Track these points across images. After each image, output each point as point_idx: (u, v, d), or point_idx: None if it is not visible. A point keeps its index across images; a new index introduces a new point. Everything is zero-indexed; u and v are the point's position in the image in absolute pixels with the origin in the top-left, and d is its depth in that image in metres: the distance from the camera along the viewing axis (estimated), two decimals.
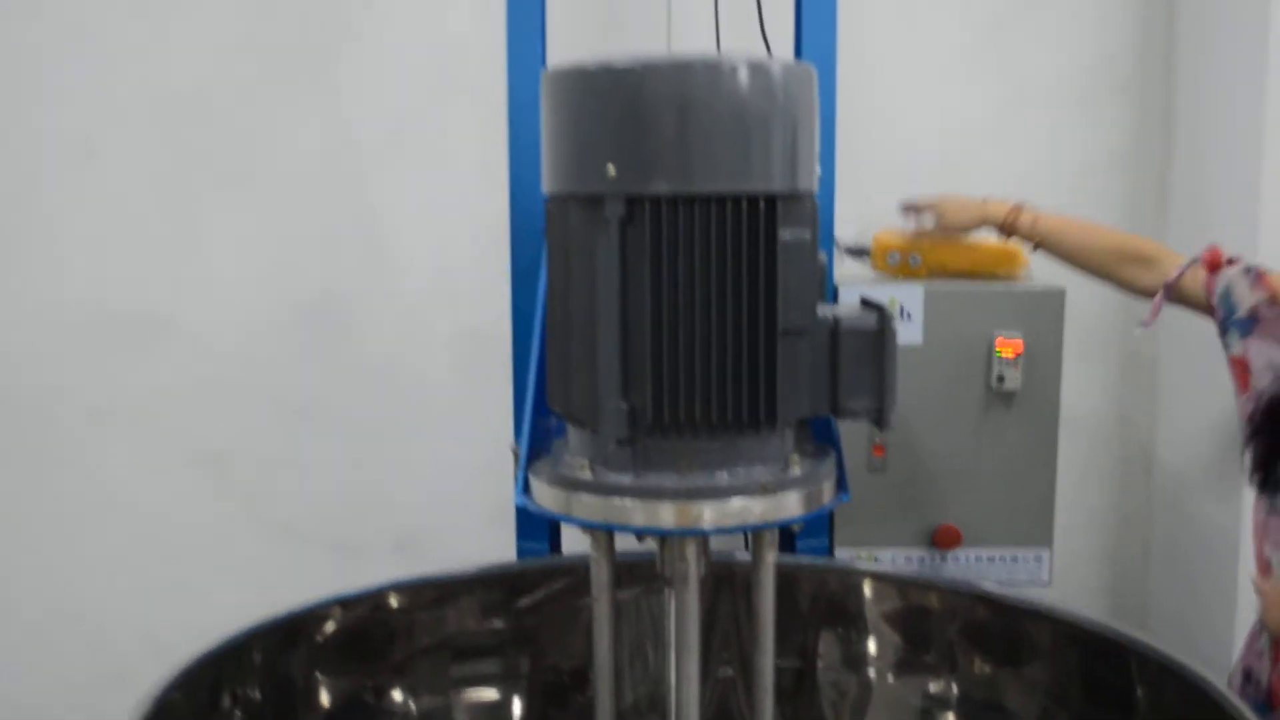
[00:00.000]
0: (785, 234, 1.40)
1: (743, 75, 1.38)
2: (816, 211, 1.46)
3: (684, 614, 1.55)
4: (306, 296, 2.80)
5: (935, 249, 2.38)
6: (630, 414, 1.42)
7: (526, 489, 1.58)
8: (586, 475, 1.47)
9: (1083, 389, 2.80)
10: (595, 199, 1.40)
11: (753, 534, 1.58)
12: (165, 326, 2.80)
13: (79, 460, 2.84)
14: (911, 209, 2.36)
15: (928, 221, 2.33)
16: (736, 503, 1.44)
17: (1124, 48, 2.84)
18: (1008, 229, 2.22)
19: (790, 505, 1.46)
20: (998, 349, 2.37)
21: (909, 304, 2.37)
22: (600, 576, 1.60)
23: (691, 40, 2.54)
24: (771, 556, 1.58)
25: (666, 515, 1.45)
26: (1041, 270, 2.47)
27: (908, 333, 2.37)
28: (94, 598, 2.88)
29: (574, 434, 1.54)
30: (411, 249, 2.81)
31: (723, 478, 1.44)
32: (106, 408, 2.82)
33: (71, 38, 2.73)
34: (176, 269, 2.80)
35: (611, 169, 1.38)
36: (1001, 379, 2.37)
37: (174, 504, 2.86)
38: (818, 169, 1.48)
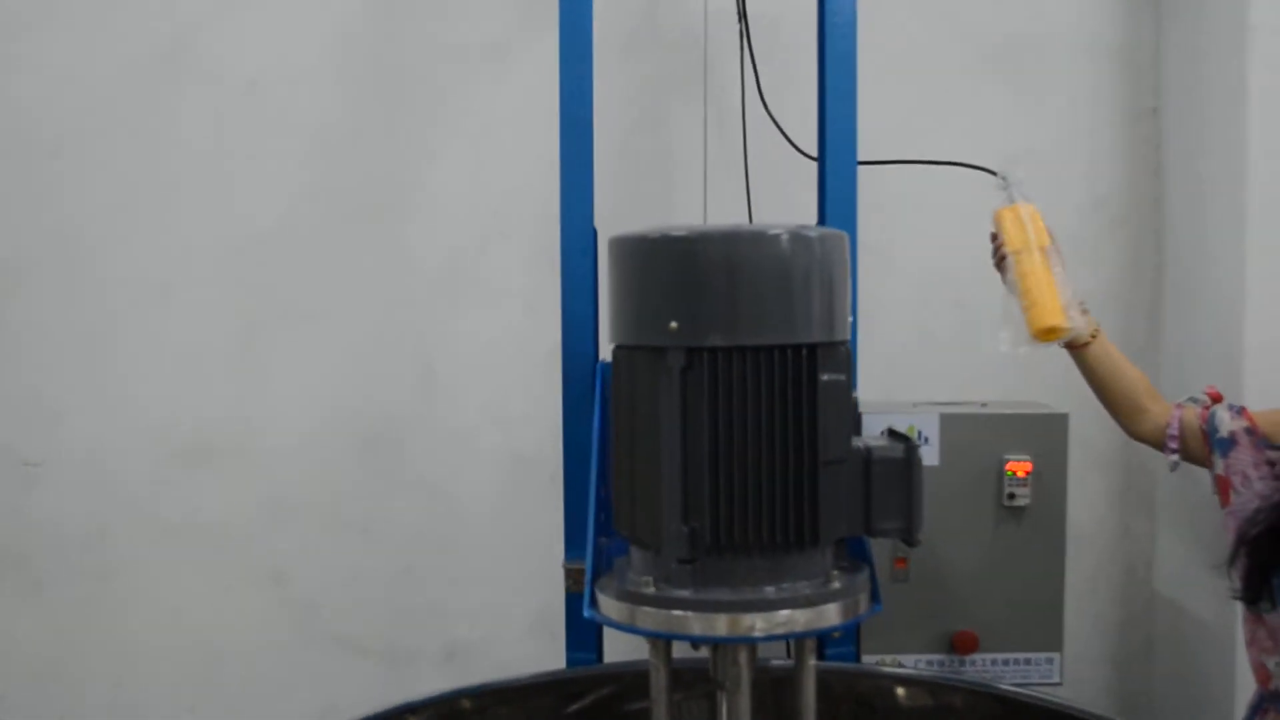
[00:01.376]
0: (824, 377, 1.61)
1: (785, 241, 1.60)
2: (850, 356, 1.68)
3: (737, 717, 1.72)
4: (366, 422, 3.00)
5: (1035, 252, 2.19)
6: (691, 537, 1.61)
7: (593, 603, 1.78)
8: (650, 590, 1.66)
9: (1087, 504, 2.96)
10: (659, 350, 1.60)
11: (795, 640, 1.75)
12: (234, 452, 3.00)
13: (147, 578, 3.02)
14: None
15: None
16: (783, 614, 1.61)
17: (1115, 188, 3.03)
18: (1079, 309, 2.24)
19: (830, 615, 1.64)
20: (1008, 469, 2.55)
21: (926, 429, 2.57)
22: (659, 682, 1.74)
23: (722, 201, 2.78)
24: (812, 661, 1.74)
25: (721, 625, 1.62)
26: (1043, 394, 2.70)
27: (925, 455, 2.54)
28: (159, 712, 3.04)
29: (637, 553, 1.73)
30: (463, 379, 3.01)
31: (771, 592, 1.61)
32: (176, 529, 3.00)
33: (147, 184, 2.96)
34: (244, 398, 3.00)
35: (674, 325, 1.60)
36: (1013, 496, 2.55)
37: (237, 619, 3.03)
38: (850, 318, 1.70)
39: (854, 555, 1.79)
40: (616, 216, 2.70)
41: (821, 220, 2.44)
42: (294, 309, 2.99)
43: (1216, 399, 2.28)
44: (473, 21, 2.95)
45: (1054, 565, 2.58)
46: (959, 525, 2.56)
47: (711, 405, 1.59)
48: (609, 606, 1.73)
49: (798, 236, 1.63)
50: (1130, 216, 3.04)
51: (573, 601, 2.37)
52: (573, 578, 2.36)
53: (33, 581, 3.01)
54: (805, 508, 1.61)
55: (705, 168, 2.76)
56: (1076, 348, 2.26)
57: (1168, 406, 2.30)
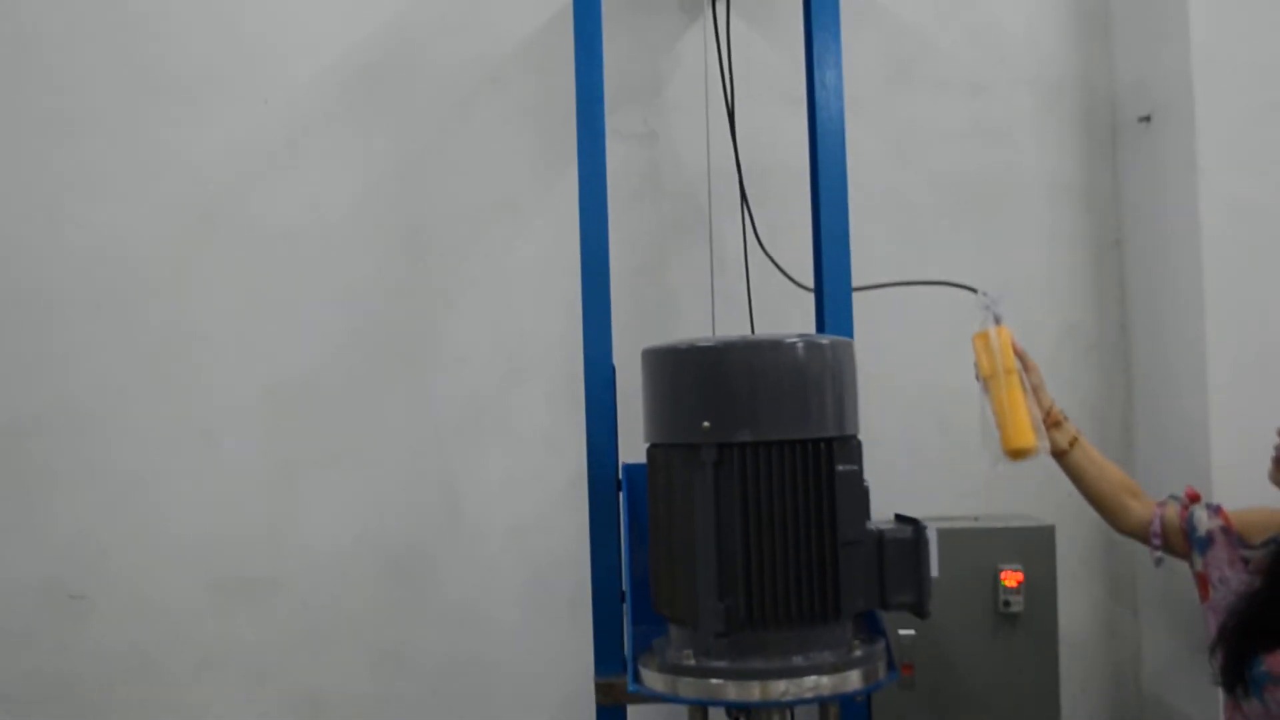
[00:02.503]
0: (840, 468, 1.83)
1: (801, 348, 1.83)
2: (860, 449, 1.88)
3: None
4: (395, 553, 3.15)
5: (1011, 374, 2.31)
6: (726, 613, 1.80)
7: (637, 678, 1.95)
8: (690, 662, 1.84)
9: (1076, 609, 3.11)
10: (692, 447, 1.82)
11: (820, 711, 1.94)
12: (270, 584, 3.13)
13: (188, 706, 3.13)
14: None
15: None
16: (810, 680, 1.80)
17: (1085, 316, 3.24)
18: (1056, 418, 2.44)
19: (853, 681, 1.84)
20: (1002, 579, 2.73)
21: None
22: None
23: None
24: None
25: (755, 691, 1.81)
26: (1030, 507, 2.89)
27: None
28: None
29: (675, 631, 1.91)
30: (488, 510, 3.16)
31: (799, 660, 1.81)
32: (215, 657, 3.13)
33: (186, 335, 3.14)
34: (280, 533, 3.14)
35: (706, 424, 1.81)
36: (1007, 604, 2.73)
37: None
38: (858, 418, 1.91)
39: (871, 630, 1.97)
40: (631, 352, 2.94)
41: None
42: (326, 450, 3.15)
43: (1195, 499, 2.48)
44: (490, 181, 3.18)
45: (1048, 666, 2.76)
46: (959, 632, 2.74)
47: (741, 494, 1.81)
48: (652, 679, 1.92)
49: (811, 344, 1.86)
50: (1100, 341, 3.25)
51: (604, 716, 2.50)
52: (603, 691, 2.46)
53: (79, 710, 3.11)
54: (828, 584, 1.82)
55: (713, 303, 3.01)
56: (1058, 455, 2.45)
57: (1150, 504, 2.48)
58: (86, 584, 3.13)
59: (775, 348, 1.86)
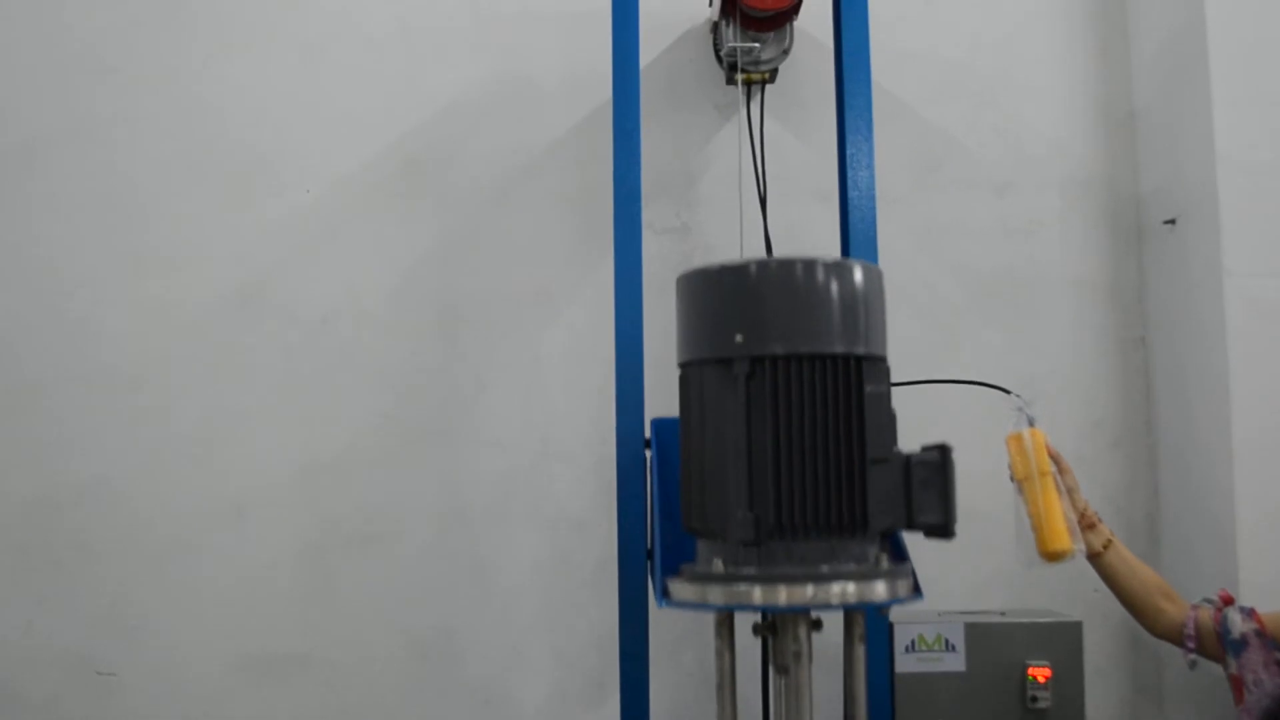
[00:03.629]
0: (869, 386, 1.87)
1: (833, 269, 1.90)
2: (889, 374, 1.94)
3: (798, 691, 1.89)
4: (423, 632, 3.16)
5: (1046, 476, 2.32)
6: (755, 522, 1.82)
7: (665, 593, 1.97)
8: (719, 569, 1.86)
9: (1102, 706, 3.11)
10: (725, 361, 1.87)
11: (845, 628, 1.96)
12: (300, 663, 3.14)
13: None
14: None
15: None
16: (836, 586, 1.81)
17: (1110, 412, 3.26)
18: (1090, 521, 2.47)
19: (879, 591, 1.84)
20: (1030, 674, 2.73)
21: (952, 637, 2.77)
22: (724, 666, 1.95)
23: None
24: (862, 650, 1.95)
25: (780, 595, 1.81)
26: (1056, 602, 2.90)
27: (953, 662, 2.77)
28: None
29: (704, 546, 1.93)
30: (517, 591, 3.18)
31: (825, 569, 1.82)
32: None
33: (224, 413, 3.20)
34: (309, 611, 3.16)
35: (739, 338, 1.85)
36: (1035, 699, 2.73)
37: None
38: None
39: (897, 556, 2.00)
40: None
41: None
42: (357, 529, 3.19)
43: (1229, 601, 2.49)
44: (526, 268, 3.25)
45: None
46: None
47: (772, 406, 1.84)
48: (680, 590, 1.93)
49: (844, 264, 1.92)
50: (1125, 438, 3.27)
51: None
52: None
53: None
54: (855, 497, 1.84)
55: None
56: (1092, 557, 2.47)
57: (1184, 606, 2.48)
58: (114, 659, 3.15)
59: (809, 266, 1.90)
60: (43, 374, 3.21)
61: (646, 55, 2.70)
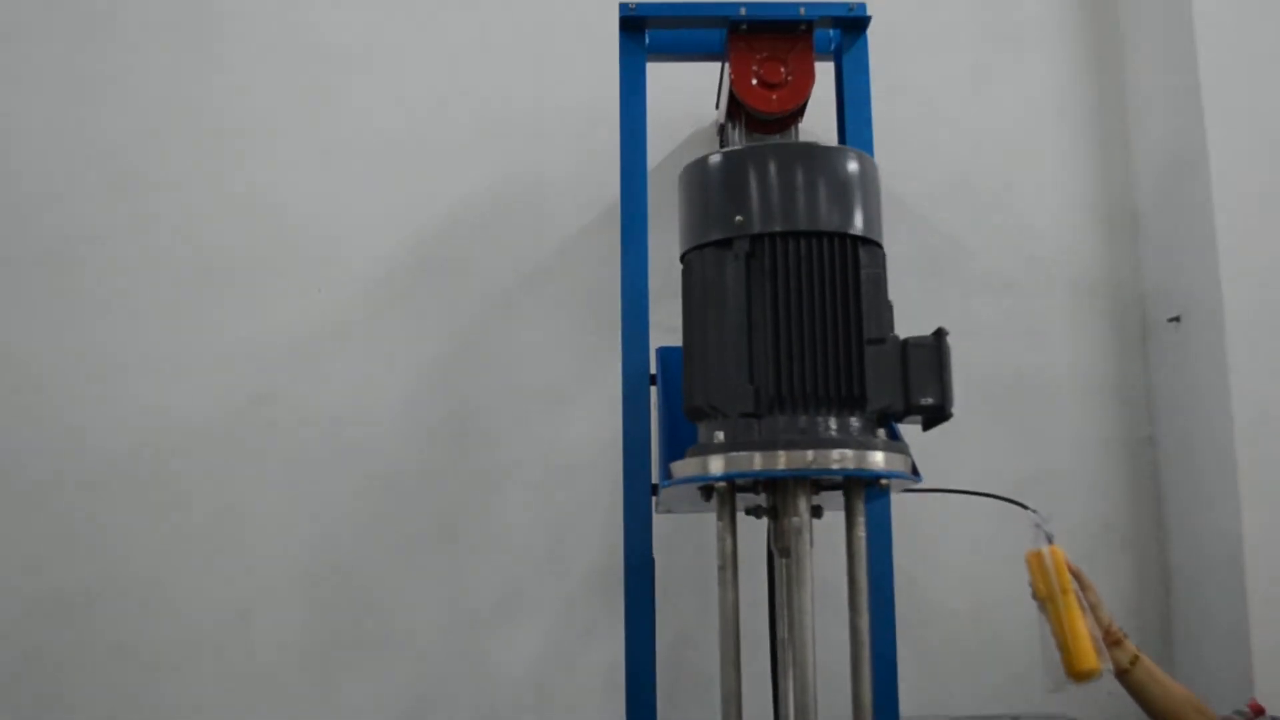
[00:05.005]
0: (865, 268, 1.92)
1: (830, 153, 1.98)
2: (885, 260, 1.98)
3: (799, 565, 1.88)
4: None
5: (1068, 595, 2.30)
6: (756, 394, 1.86)
7: (666, 475, 2.00)
8: (720, 439, 1.89)
9: None
10: (725, 242, 1.93)
11: (847, 513, 1.96)
12: None
13: None
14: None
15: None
16: (836, 452, 1.83)
17: (1120, 513, 3.25)
18: (1115, 637, 2.39)
19: (878, 460, 1.87)
20: None
21: None
22: (725, 548, 1.95)
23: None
24: (862, 531, 1.96)
25: (780, 460, 1.83)
26: (1068, 704, 2.86)
27: None
28: None
29: (705, 426, 1.95)
30: (521, 699, 3.14)
31: (824, 436, 1.85)
32: None
33: (233, 517, 3.19)
34: (314, 717, 3.12)
35: (739, 218, 1.89)
36: None
37: None
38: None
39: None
40: (669, 542, 2.97)
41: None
42: (362, 633, 3.17)
43: (1260, 711, 2.44)
44: (533, 371, 3.27)
45: None
46: None
47: (772, 282, 1.89)
48: (681, 467, 1.95)
49: (841, 149, 2.01)
50: (1135, 539, 3.24)
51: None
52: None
53: None
54: (854, 371, 1.88)
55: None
56: (1119, 674, 2.40)
57: (1214, 718, 2.43)
58: None
59: (806, 149, 1.99)
60: (51, 475, 3.21)
61: (654, 157, 2.74)
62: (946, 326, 3.22)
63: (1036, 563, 2.32)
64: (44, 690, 3.13)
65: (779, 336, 1.88)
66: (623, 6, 2.71)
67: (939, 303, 3.33)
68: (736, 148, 2.06)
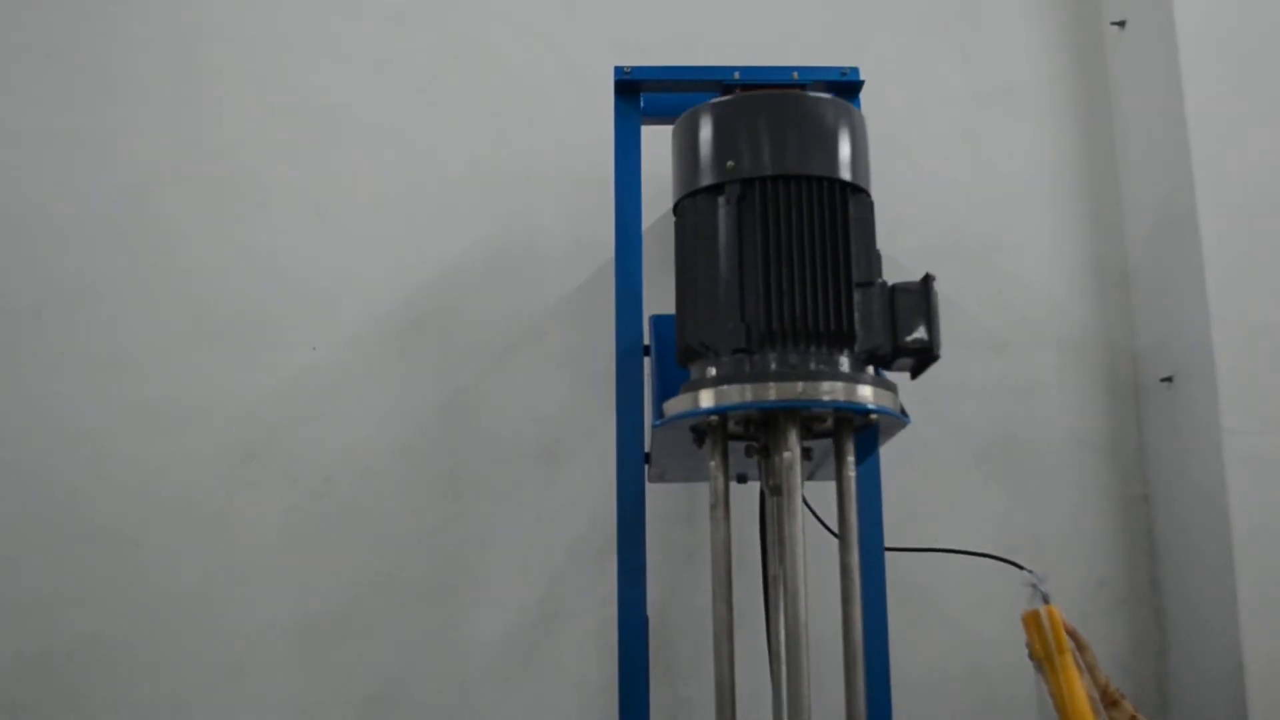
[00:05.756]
0: (853, 213, 1.97)
1: (818, 100, 2.04)
2: (873, 207, 2.03)
3: (790, 498, 1.90)
4: None
5: (1065, 655, 2.30)
6: (747, 331, 1.90)
7: (659, 415, 2.03)
8: (712, 374, 1.93)
9: None
10: (717, 187, 1.99)
11: (836, 447, 1.98)
12: None
13: None
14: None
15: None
16: (826, 384, 1.87)
17: (1114, 571, 3.24)
18: (1113, 698, 2.37)
19: (867, 395, 1.91)
20: None
21: None
22: (717, 486, 1.96)
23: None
24: (852, 471, 1.98)
25: (770, 392, 1.87)
26: None
27: None
28: None
29: (697, 366, 1.99)
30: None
31: (816, 372, 1.89)
32: None
33: (224, 572, 3.17)
34: None
35: (730, 164, 1.97)
36: None
37: None
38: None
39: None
40: (665, 597, 2.97)
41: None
42: (354, 691, 3.14)
43: None
44: (527, 427, 3.27)
45: None
46: None
47: (762, 224, 1.94)
48: (673, 404, 1.99)
49: (830, 99, 2.07)
50: (1130, 597, 3.24)
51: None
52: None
53: None
54: (842, 308, 1.92)
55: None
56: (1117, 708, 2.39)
57: None
58: None
59: (795, 98, 2.06)
60: (40, 530, 3.18)
61: (649, 217, 2.76)
62: (939, 385, 3.28)
63: (1033, 623, 2.32)
64: None
65: (769, 275, 1.92)
66: (618, 70, 2.74)
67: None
68: (727, 98, 2.13)
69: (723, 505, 1.99)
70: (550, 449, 3.27)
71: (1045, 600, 2.33)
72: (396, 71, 3.50)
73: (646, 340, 2.68)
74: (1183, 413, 3.09)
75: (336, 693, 3.15)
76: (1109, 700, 2.38)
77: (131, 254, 3.35)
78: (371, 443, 3.27)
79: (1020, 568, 2.36)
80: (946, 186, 3.47)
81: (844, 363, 1.93)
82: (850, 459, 2.02)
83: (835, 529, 2.10)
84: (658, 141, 2.56)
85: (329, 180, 3.42)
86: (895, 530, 2.71)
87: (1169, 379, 3.13)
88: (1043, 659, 2.29)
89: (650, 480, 2.58)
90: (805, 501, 2.99)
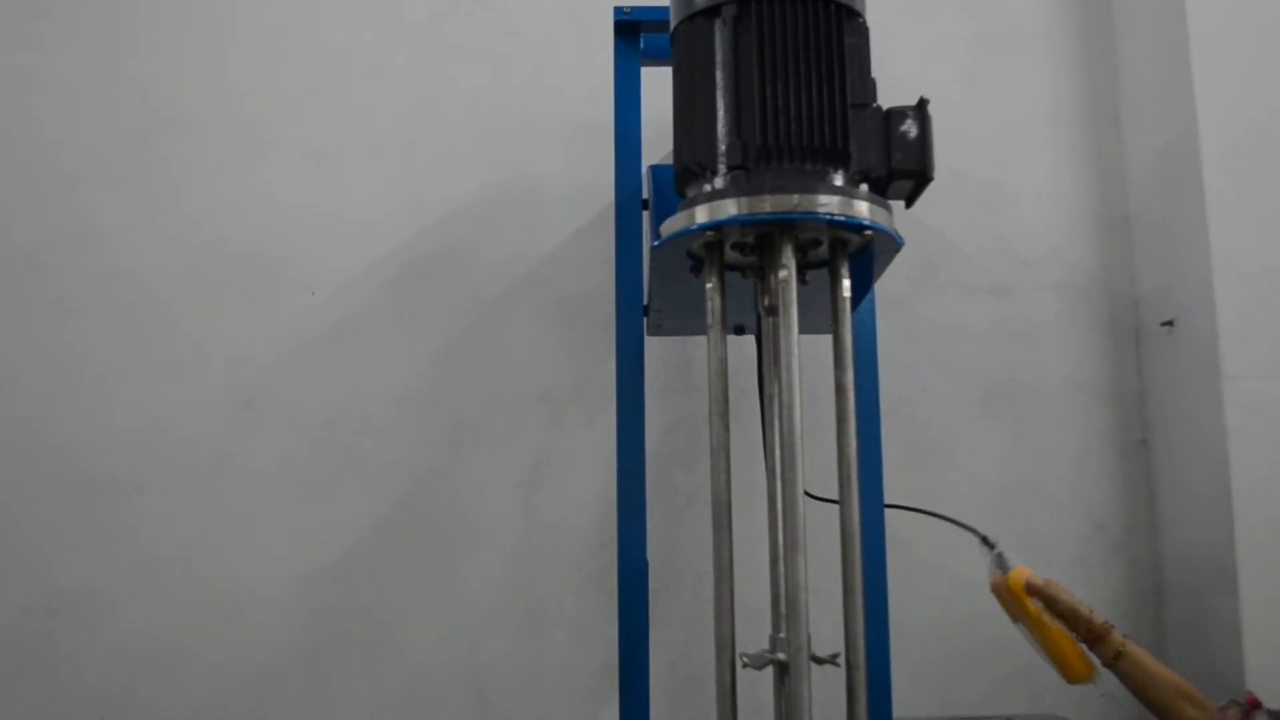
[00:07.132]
0: (849, 36, 1.98)
1: None
2: (869, 34, 2.04)
3: (786, 313, 1.89)
4: None
5: (1037, 620, 2.38)
6: (743, 147, 1.90)
7: (657, 236, 2.02)
8: (707, 189, 1.94)
9: None
10: (715, 9, 1.98)
11: (831, 268, 1.97)
12: None
13: None
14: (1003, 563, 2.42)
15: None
16: (821, 198, 1.87)
17: (1112, 515, 3.26)
18: (1098, 633, 2.41)
19: (862, 209, 1.91)
20: None
21: None
22: (714, 306, 1.96)
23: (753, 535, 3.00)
24: (847, 292, 1.96)
25: (766, 205, 1.87)
26: (1062, 703, 2.86)
27: None
28: None
29: (694, 186, 1.99)
30: (514, 698, 3.13)
31: (812, 186, 1.89)
32: None
33: (224, 518, 3.19)
34: (308, 715, 3.12)
35: None
36: None
37: None
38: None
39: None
40: (664, 541, 2.98)
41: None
42: (356, 634, 3.17)
43: (1255, 705, 2.43)
44: (527, 372, 3.27)
45: None
46: None
47: (759, 46, 1.94)
48: (671, 225, 1.97)
49: None
50: (1128, 541, 3.26)
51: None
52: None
53: None
54: (838, 125, 1.93)
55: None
56: (1107, 666, 2.44)
57: (1208, 708, 2.43)
58: None
59: None
60: (42, 477, 3.20)
61: (649, 158, 2.74)
62: (939, 328, 3.29)
63: (999, 594, 2.41)
64: (37, 694, 3.12)
65: (765, 93, 1.92)
66: (617, 10, 2.71)
67: (933, 307, 3.35)
68: None
69: (719, 325, 1.98)
70: (550, 394, 3.28)
71: (1005, 568, 2.39)
72: (395, 16, 3.47)
73: (646, 194, 2.67)
74: (1183, 357, 3.08)
75: (339, 636, 3.17)
76: (1095, 635, 2.42)
77: (133, 199, 3.34)
78: (371, 388, 3.27)
79: (976, 534, 2.40)
80: (947, 130, 3.39)
81: (840, 180, 1.94)
82: (845, 282, 1.99)
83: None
84: (658, 83, 2.54)
85: (329, 125, 3.40)
86: (895, 482, 2.69)
87: (1170, 323, 3.13)
88: (1018, 621, 2.40)
89: (649, 333, 2.57)
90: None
